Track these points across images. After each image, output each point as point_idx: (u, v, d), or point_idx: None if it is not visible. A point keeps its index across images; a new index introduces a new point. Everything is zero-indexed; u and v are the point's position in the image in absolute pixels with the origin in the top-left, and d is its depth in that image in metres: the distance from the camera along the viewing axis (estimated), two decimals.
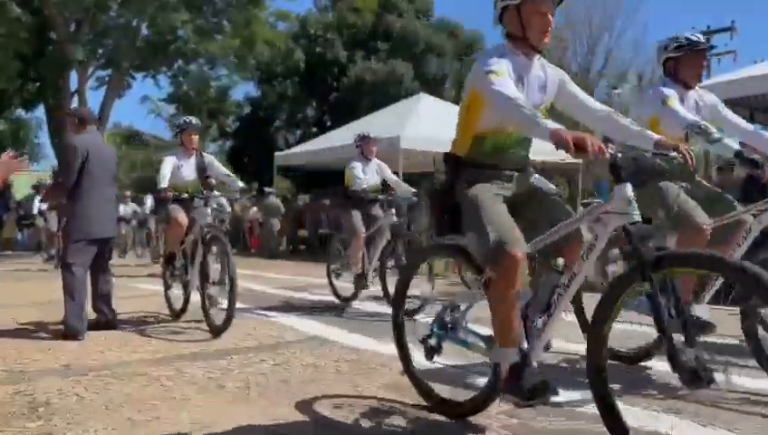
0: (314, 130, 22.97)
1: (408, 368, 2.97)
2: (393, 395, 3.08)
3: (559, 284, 2.46)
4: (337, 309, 6.06)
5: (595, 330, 2.24)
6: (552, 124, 2.23)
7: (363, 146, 6.46)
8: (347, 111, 20.52)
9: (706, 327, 3.21)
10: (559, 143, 2.09)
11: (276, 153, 16.46)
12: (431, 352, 2.78)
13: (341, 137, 14.83)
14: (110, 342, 4.45)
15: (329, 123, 22.42)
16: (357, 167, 6.28)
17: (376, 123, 14.23)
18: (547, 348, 2.60)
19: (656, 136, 2.61)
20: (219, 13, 18.12)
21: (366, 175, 6.29)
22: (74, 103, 18.54)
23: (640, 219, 2.24)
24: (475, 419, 2.71)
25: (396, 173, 7.30)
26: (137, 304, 6.41)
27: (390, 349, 4.09)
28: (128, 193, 15.35)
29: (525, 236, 2.38)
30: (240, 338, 4.55)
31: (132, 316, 5.60)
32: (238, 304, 4.69)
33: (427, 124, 11.73)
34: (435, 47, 23.51)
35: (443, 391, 2.87)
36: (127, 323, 5.25)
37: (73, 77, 18.29)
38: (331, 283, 6.57)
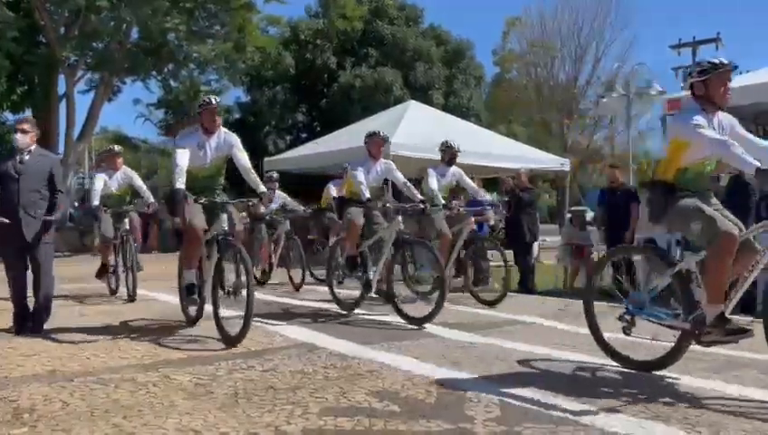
0: (304, 135, 22.96)
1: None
2: (380, 402, 3.08)
3: None
4: (325, 315, 6.06)
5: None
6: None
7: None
8: (337, 117, 20.54)
9: None
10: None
11: (266, 158, 16.42)
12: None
13: (331, 143, 14.87)
14: (96, 347, 4.42)
15: (319, 129, 22.39)
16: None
17: (366, 129, 14.23)
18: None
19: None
20: (211, 17, 18.08)
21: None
22: (62, 107, 18.43)
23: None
24: (464, 425, 2.72)
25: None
26: (128, 309, 6.37)
27: (378, 355, 4.11)
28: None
29: None
30: (229, 345, 4.53)
31: (119, 322, 5.57)
32: (227, 311, 4.69)
33: (417, 131, 11.78)
34: (424, 54, 23.61)
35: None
36: (114, 328, 5.21)
37: (62, 81, 18.18)
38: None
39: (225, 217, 4.73)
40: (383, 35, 23.91)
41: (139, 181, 7.52)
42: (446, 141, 7.26)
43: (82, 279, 7.96)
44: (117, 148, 7.62)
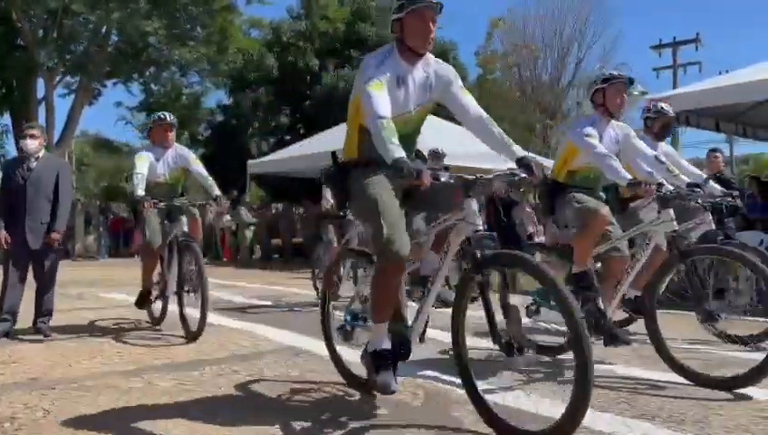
0: (288, 137, 22.88)
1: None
2: (367, 405, 3.06)
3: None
4: (311, 318, 6.01)
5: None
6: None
7: None
8: (321, 118, 20.48)
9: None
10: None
11: (249, 161, 16.34)
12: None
13: (315, 145, 14.84)
14: (79, 353, 4.35)
15: (302, 131, 22.32)
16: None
17: None
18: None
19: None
20: (192, 20, 17.97)
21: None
22: (41, 111, 18.21)
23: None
24: (451, 426, 2.71)
25: None
26: (110, 314, 6.30)
27: None
28: None
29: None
30: (213, 349, 4.49)
31: (102, 328, 5.49)
32: (211, 315, 4.63)
33: None
34: None
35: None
36: (97, 335, 5.14)
37: (41, 84, 17.97)
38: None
39: (473, 205, 2.69)
40: (366, 37, 23.89)
41: (198, 165, 5.36)
42: (657, 104, 5.00)
43: (65, 285, 7.85)
44: (170, 117, 5.32)
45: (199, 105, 23.33)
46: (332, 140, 14.24)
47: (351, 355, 3.29)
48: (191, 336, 4.74)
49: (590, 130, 3.84)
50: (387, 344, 2.80)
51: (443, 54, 25.30)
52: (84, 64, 17.46)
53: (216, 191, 5.22)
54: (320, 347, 4.47)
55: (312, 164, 14.06)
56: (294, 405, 3.06)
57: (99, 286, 9.00)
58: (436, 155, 6.65)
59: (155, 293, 5.36)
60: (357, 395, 3.23)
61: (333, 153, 3.03)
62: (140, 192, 4.81)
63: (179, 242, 4.96)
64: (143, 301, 5.41)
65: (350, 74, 22.59)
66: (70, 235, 16.74)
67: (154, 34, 16.86)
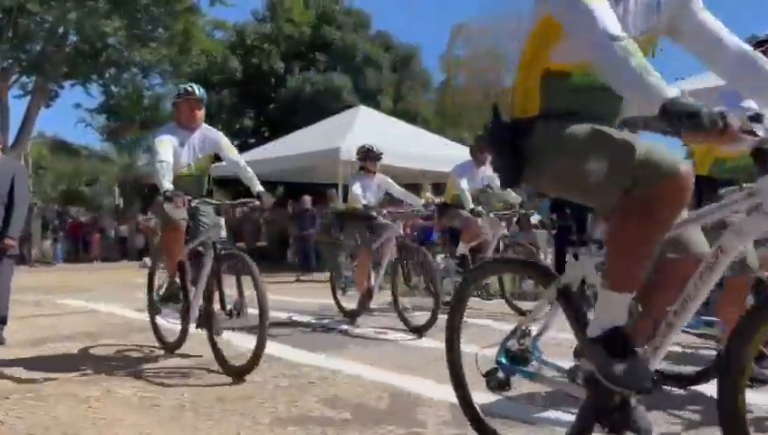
0: (252, 140, 22.67)
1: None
2: (332, 409, 3.05)
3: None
4: (275, 323, 5.96)
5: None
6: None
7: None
8: (285, 121, 20.39)
9: None
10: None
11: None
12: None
13: (279, 148, 14.76)
14: (35, 362, 4.23)
15: (267, 134, 22.15)
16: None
17: (316, 135, 14.24)
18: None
19: None
20: (154, 20, 17.68)
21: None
22: None
23: None
24: (416, 429, 2.71)
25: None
26: (68, 321, 6.14)
27: (329, 362, 4.08)
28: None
29: None
30: (175, 357, 4.41)
31: (60, 336, 5.35)
32: (173, 321, 4.53)
33: (367, 136, 11.73)
34: (372, 60, 23.69)
35: None
36: (54, 343, 5.00)
37: None
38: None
39: None
40: (331, 40, 23.88)
41: (233, 153, 4.45)
42: None
43: (21, 291, 7.63)
44: (199, 90, 4.28)
45: (161, 107, 22.92)
46: (298, 143, 14.20)
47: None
48: (235, 371, 3.67)
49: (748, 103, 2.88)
50: (623, 322, 1.84)
51: (407, 59, 25.58)
52: (40, 65, 17.00)
53: (259, 187, 4.22)
54: (285, 351, 4.46)
55: (277, 167, 13.99)
56: (258, 411, 3.03)
57: (56, 293, 8.77)
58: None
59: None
60: (322, 401, 3.20)
61: (495, 106, 2.13)
62: (168, 186, 3.76)
63: (217, 250, 3.91)
64: (173, 290, 4.31)
65: (315, 77, 22.57)
66: (26, 239, 16.30)
67: (113, 35, 16.51)
